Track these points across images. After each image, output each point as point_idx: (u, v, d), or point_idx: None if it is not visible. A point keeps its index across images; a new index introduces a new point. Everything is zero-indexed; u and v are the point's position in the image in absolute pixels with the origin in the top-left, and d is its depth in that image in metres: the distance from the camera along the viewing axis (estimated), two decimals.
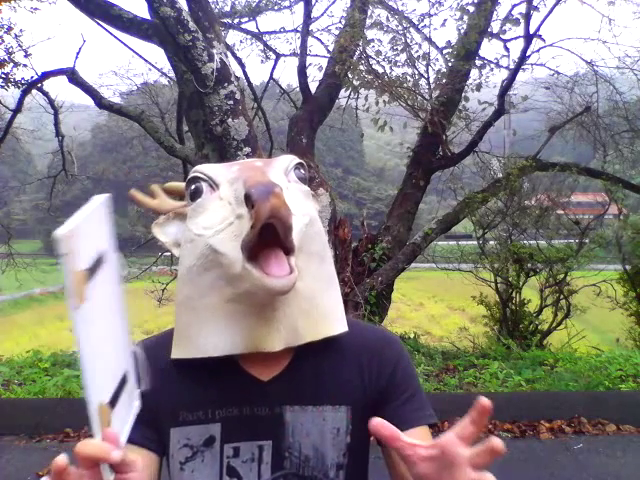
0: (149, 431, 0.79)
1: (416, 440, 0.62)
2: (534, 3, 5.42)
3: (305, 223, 0.72)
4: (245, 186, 0.65)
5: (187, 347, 0.75)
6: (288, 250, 0.67)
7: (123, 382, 0.58)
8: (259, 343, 0.72)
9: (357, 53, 5.65)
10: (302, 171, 0.81)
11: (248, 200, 0.62)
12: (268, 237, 0.63)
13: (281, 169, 0.77)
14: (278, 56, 8.17)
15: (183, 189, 0.87)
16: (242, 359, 0.77)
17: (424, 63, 5.60)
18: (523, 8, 5.64)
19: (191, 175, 0.78)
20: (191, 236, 0.74)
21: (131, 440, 0.73)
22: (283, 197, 0.61)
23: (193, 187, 0.76)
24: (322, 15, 7.64)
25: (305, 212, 0.73)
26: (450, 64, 5.68)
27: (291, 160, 0.80)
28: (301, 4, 6.85)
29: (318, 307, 0.76)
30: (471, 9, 5.58)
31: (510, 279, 6.89)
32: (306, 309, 0.74)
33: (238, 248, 0.66)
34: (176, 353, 0.76)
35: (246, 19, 7.74)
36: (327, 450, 0.79)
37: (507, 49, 6.46)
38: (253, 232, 0.62)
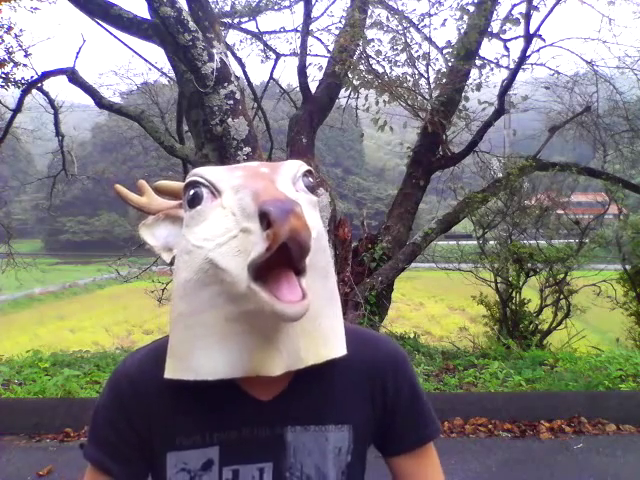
0: (131, 466, 0.78)
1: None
2: (534, 3, 5.42)
3: (313, 237, 0.65)
4: (258, 200, 0.59)
5: (181, 368, 0.69)
6: (299, 271, 0.61)
7: None
8: (259, 367, 0.67)
9: (357, 53, 5.65)
10: (310, 179, 0.75)
11: (263, 218, 0.56)
12: (278, 256, 0.57)
13: (289, 177, 0.71)
14: (278, 56, 8.17)
15: (176, 189, 0.82)
16: (241, 379, 0.72)
17: (424, 63, 5.60)
18: (523, 8, 5.65)
19: (190, 179, 0.71)
20: (188, 247, 0.67)
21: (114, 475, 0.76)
22: (304, 218, 0.56)
23: (192, 192, 0.69)
24: (322, 15, 7.65)
25: (313, 225, 0.66)
26: (450, 64, 5.68)
27: (299, 167, 0.73)
28: (301, 4, 6.85)
29: (320, 327, 0.71)
30: (471, 9, 5.58)
31: (510, 279, 6.89)
32: (309, 330, 0.69)
33: (242, 265, 0.60)
34: (170, 372, 0.71)
35: (246, 19, 7.75)
36: (329, 470, 0.77)
37: (507, 49, 6.47)
38: (267, 254, 0.56)
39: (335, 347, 0.73)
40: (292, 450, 0.76)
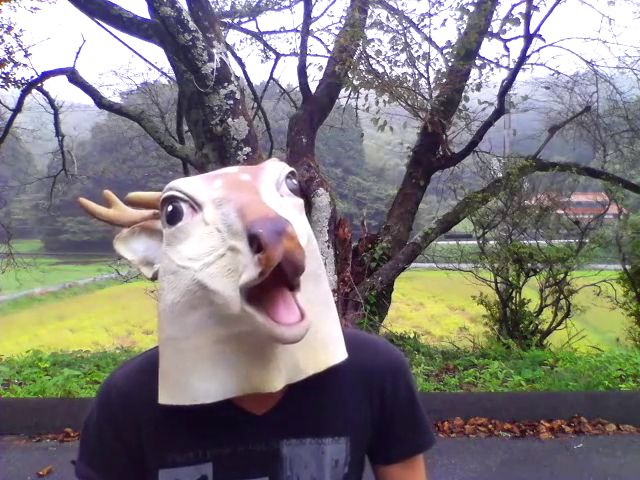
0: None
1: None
2: (534, 3, 5.42)
3: (304, 245, 0.62)
4: (245, 219, 0.56)
5: (176, 393, 0.66)
6: (293, 286, 0.58)
7: None
8: (257, 385, 0.64)
9: (357, 53, 5.65)
10: (294, 181, 0.71)
11: (253, 240, 0.53)
12: (270, 274, 0.54)
13: (272, 182, 0.67)
14: (278, 56, 8.18)
15: (149, 200, 0.78)
16: None
17: (424, 63, 5.60)
18: (523, 8, 5.66)
19: (167, 194, 0.66)
20: (172, 267, 0.63)
21: None
22: (297, 237, 0.53)
23: (170, 208, 0.65)
24: (322, 15, 7.66)
25: (302, 232, 0.64)
26: (450, 64, 5.68)
27: (282, 170, 0.70)
28: (301, 4, 6.85)
29: (317, 334, 0.68)
30: (471, 9, 5.58)
31: (510, 279, 6.89)
32: (306, 340, 0.63)
33: (233, 286, 0.57)
34: (164, 398, 0.68)
35: (246, 19, 7.76)
36: None
37: (507, 49, 6.48)
38: (260, 279, 0.54)
39: (335, 353, 0.71)
40: (288, 463, 0.74)
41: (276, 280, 0.56)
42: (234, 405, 0.72)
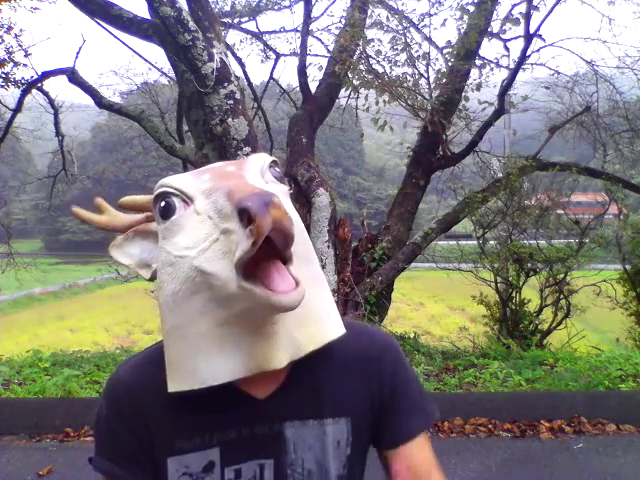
0: (144, 471, 0.77)
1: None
2: (534, 3, 5.42)
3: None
4: (233, 199, 0.60)
5: (184, 379, 0.69)
6: (286, 260, 0.62)
7: None
8: (262, 363, 0.67)
9: (357, 53, 5.65)
10: (277, 169, 0.75)
11: (243, 214, 0.57)
12: (262, 250, 0.58)
13: (256, 170, 0.71)
14: (278, 56, 8.18)
15: (141, 203, 0.81)
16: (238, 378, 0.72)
17: (424, 63, 5.60)
18: (523, 8, 5.66)
19: (158, 190, 0.70)
20: (170, 258, 0.67)
21: None
22: (283, 206, 0.57)
23: (163, 203, 0.69)
24: (322, 15, 7.67)
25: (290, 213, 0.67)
26: (450, 64, 5.68)
27: (265, 159, 0.74)
28: (301, 4, 6.86)
29: (312, 313, 0.72)
30: (471, 9, 5.58)
31: (510, 279, 6.89)
32: (302, 317, 0.69)
33: (229, 267, 0.60)
34: (173, 386, 0.70)
35: (246, 19, 7.76)
36: (329, 464, 0.77)
37: (507, 49, 6.49)
38: (254, 249, 0.57)
39: (332, 329, 0.74)
40: (292, 446, 0.76)
41: (269, 254, 0.60)
42: (237, 390, 0.74)
